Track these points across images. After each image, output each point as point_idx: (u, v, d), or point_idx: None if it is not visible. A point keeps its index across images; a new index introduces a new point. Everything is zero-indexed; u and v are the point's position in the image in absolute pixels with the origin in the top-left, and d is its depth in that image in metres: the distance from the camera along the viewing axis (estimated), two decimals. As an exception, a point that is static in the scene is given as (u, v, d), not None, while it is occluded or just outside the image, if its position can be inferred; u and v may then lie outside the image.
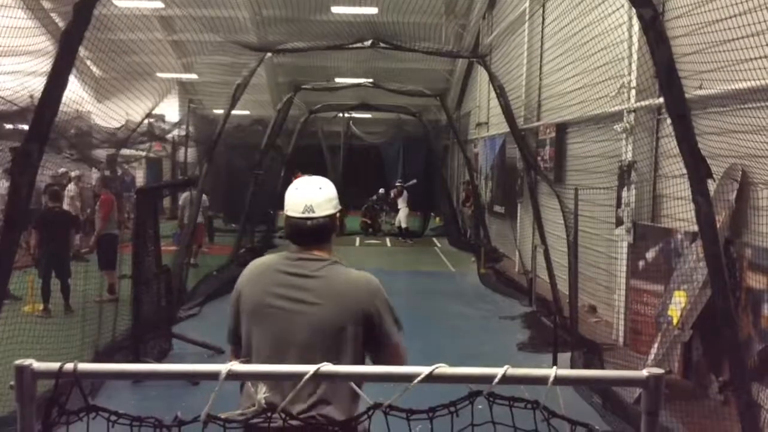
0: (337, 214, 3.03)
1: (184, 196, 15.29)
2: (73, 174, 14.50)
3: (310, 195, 2.96)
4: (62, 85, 5.13)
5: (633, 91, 9.01)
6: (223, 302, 11.51)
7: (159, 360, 8.21)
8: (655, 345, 7.54)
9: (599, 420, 6.54)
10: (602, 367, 7.70)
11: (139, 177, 22.18)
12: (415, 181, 22.68)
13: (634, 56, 8.94)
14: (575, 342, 8.40)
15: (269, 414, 1.77)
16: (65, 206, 12.36)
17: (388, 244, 21.07)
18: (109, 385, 6.90)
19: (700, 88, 6.87)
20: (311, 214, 2.91)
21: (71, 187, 14.11)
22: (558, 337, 8.20)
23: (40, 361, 1.84)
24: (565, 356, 8.23)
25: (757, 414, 5.80)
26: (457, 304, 12.21)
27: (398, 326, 2.95)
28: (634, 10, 5.06)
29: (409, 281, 14.75)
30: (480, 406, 1.85)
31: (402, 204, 21.83)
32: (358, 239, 21.57)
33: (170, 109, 21.99)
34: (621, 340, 9.36)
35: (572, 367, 8.07)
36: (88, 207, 14.75)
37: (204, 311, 11.02)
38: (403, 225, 21.63)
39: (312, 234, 2.94)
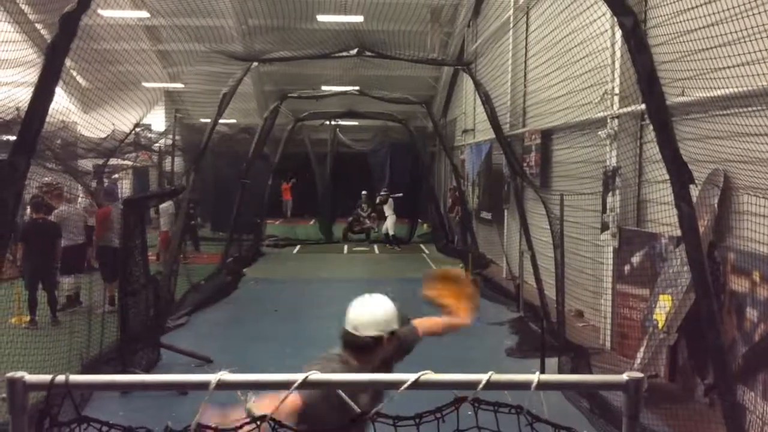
0: (386, 337, 3.22)
1: (163, 206, 15.26)
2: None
3: (359, 314, 3.25)
4: (48, 97, 5.14)
5: (616, 98, 9.10)
6: (211, 312, 11.53)
7: (147, 370, 8.18)
8: (642, 349, 7.60)
9: (586, 423, 6.60)
10: (590, 372, 7.76)
11: (127, 187, 22.06)
12: (401, 194, 22.72)
13: (617, 63, 9.05)
14: (562, 347, 8.46)
15: (258, 423, 1.80)
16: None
17: (376, 251, 21.08)
18: (98, 397, 6.89)
19: (682, 95, 6.97)
20: (354, 332, 3.20)
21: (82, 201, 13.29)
22: (546, 343, 8.26)
23: (28, 373, 1.86)
24: (553, 361, 8.28)
25: (741, 416, 5.88)
26: (446, 311, 12.21)
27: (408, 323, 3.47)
28: (616, 18, 5.12)
29: (396, 289, 14.70)
30: (469, 412, 1.89)
31: (389, 211, 21.85)
32: (345, 247, 21.60)
33: (157, 119, 21.94)
34: (608, 344, 9.42)
35: (560, 371, 8.13)
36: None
37: (192, 321, 10.98)
38: (391, 232, 21.64)
39: (349, 347, 3.22)
